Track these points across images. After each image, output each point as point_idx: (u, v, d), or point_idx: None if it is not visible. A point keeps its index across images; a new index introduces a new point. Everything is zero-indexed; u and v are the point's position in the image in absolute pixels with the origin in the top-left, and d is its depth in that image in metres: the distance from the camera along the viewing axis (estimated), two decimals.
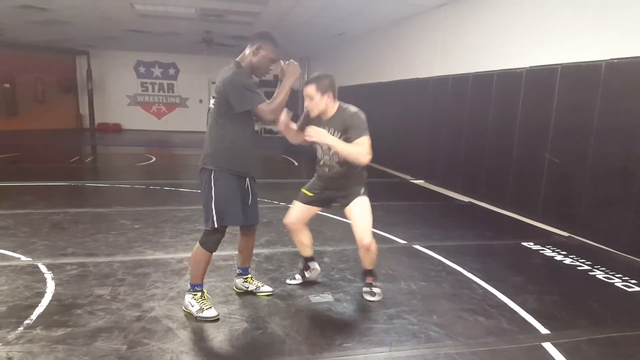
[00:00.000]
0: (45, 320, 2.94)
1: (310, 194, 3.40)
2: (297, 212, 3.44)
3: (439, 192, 7.78)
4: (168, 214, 5.69)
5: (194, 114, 18.37)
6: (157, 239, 4.70)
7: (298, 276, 3.70)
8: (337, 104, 3.21)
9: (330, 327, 3.01)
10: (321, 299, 3.42)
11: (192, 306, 3.09)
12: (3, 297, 3.25)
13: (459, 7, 7.72)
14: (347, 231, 5.29)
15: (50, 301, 3.22)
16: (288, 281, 3.70)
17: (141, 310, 3.14)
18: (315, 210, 3.46)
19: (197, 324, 3.00)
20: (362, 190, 3.28)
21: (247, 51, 2.96)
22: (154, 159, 10.97)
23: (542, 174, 5.85)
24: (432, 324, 3.09)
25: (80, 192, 7.31)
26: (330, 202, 3.42)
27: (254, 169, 3.10)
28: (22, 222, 5.11)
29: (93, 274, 3.76)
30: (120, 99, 17.91)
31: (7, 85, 15.22)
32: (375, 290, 3.45)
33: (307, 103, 3.16)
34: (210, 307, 3.09)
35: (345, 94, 12.63)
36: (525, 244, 4.97)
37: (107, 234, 4.82)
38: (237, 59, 2.97)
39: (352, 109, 3.19)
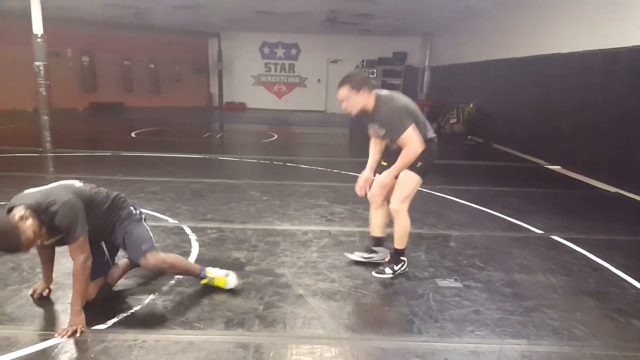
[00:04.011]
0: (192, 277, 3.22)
1: (385, 163, 3.42)
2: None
3: (579, 180, 7.06)
4: (291, 188, 5.92)
5: (311, 94, 18.80)
6: (284, 211, 4.90)
7: (359, 253, 3.62)
8: (373, 95, 3.19)
9: (460, 313, 2.91)
10: (449, 283, 3.32)
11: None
12: None
13: None
14: (474, 216, 5.09)
15: (195, 260, 3.52)
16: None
17: (273, 275, 3.32)
18: None
19: (324, 294, 3.08)
20: (418, 165, 3.21)
21: None
22: (275, 136, 11.45)
23: None
24: (575, 321, 2.85)
25: (213, 164, 7.88)
26: None
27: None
28: (167, 189, 5.65)
29: (230, 238, 4.05)
30: (246, 79, 18.87)
31: (152, 66, 16.86)
32: (387, 270, 3.37)
33: (343, 106, 3.20)
34: None
35: (471, 70, 12.07)
36: None
37: (240, 203, 5.15)
38: None
39: (389, 102, 3.16)
